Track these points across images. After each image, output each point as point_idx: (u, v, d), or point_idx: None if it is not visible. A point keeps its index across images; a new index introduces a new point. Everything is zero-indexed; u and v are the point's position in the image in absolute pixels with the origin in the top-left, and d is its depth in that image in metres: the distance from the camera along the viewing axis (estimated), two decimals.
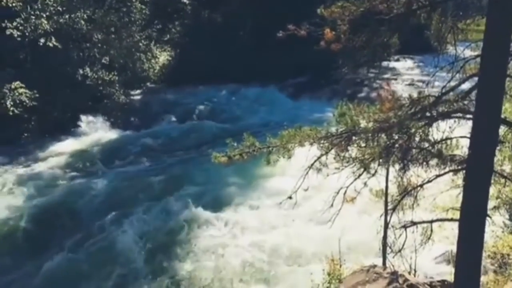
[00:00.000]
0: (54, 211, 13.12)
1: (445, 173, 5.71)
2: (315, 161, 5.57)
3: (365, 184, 5.80)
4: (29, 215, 12.95)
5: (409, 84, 21.83)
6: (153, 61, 23.63)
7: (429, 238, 6.36)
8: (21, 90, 17.19)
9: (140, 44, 22.13)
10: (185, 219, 12.01)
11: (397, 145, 5.19)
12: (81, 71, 19.55)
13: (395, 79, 22.66)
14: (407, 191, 5.83)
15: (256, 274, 10.17)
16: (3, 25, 17.02)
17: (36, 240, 12.01)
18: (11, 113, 16.98)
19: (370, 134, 5.19)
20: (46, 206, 13.38)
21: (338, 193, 5.74)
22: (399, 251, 6.55)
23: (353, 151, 5.46)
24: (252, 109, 20.79)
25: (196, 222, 11.81)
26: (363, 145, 5.56)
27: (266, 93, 22.36)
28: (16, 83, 17.24)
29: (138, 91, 23.21)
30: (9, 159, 16.39)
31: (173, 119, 20.47)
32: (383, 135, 5.42)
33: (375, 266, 7.26)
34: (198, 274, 10.17)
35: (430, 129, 5.30)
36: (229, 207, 12.65)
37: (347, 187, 5.65)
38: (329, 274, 7.68)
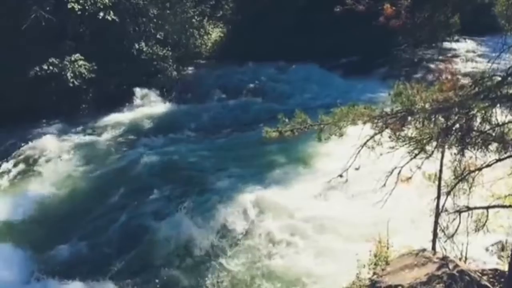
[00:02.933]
0: (108, 180, 13.74)
1: (505, 158, 5.47)
2: (367, 140, 5.48)
3: (419, 167, 5.65)
4: (85, 182, 13.71)
5: (470, 66, 20.78)
6: (205, 37, 23.76)
7: (484, 225, 6.15)
8: (80, 62, 17.89)
9: (194, 20, 22.28)
10: (231, 196, 12.17)
11: (457, 126, 5.00)
12: (136, 46, 19.96)
13: (455, 60, 21.60)
14: (464, 175, 5.62)
15: (301, 251, 10.25)
16: None
17: (90, 205, 12.64)
18: (71, 85, 17.74)
19: (427, 114, 5.02)
20: (100, 175, 14.05)
21: (391, 173, 5.63)
22: (451, 236, 6.37)
23: (408, 130, 5.32)
24: (302, 88, 20.53)
25: (243, 199, 11.94)
26: (419, 125, 5.40)
27: (317, 72, 21.95)
28: (76, 55, 17.96)
29: (190, 67, 23.50)
30: (69, 129, 17.18)
31: (223, 95, 20.61)
32: (440, 117, 5.23)
33: (424, 250, 7.10)
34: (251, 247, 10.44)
35: (494, 110, 5.06)
36: (276, 184, 12.71)
37: (402, 167, 5.53)
38: (375, 256, 7.61)
